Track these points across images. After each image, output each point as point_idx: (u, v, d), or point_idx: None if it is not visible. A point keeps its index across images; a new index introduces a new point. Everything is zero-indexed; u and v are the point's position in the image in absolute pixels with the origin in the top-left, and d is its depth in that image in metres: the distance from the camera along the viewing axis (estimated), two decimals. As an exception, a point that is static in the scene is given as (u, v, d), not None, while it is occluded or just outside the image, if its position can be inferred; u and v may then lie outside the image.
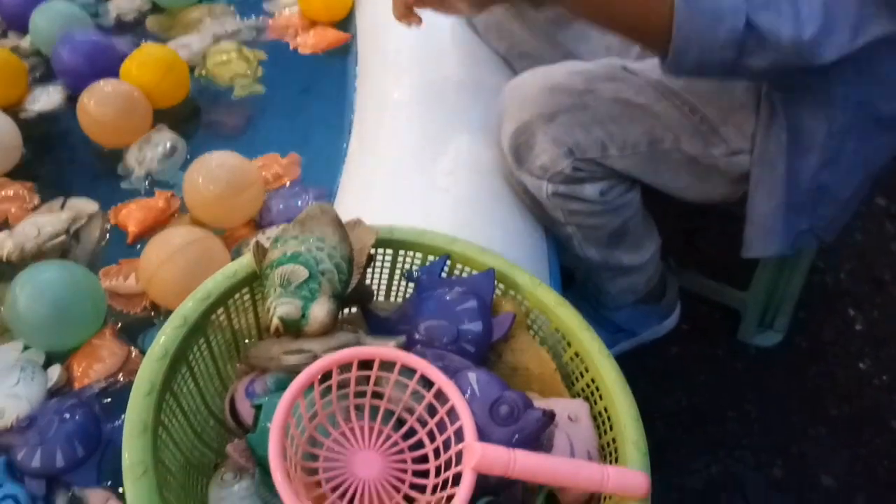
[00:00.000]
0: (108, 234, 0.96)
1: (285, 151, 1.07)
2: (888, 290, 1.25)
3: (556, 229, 0.92)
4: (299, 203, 0.98)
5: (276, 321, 0.57)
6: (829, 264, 1.28)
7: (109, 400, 0.77)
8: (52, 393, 0.76)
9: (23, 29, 1.28)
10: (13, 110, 1.12)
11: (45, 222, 0.93)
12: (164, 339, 0.52)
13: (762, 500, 1.00)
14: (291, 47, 1.30)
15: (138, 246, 0.94)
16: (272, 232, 0.93)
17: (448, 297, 0.64)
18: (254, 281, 0.61)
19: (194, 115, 1.17)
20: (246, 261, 0.60)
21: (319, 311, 0.57)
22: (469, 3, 0.73)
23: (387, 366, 0.55)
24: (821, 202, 0.83)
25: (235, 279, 0.59)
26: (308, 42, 1.30)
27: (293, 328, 0.57)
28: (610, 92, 0.84)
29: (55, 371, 0.77)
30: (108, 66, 1.11)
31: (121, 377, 0.78)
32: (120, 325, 0.84)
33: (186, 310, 0.55)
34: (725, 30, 0.63)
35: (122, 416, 0.69)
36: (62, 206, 0.99)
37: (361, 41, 1.24)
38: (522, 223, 0.92)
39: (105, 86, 1.04)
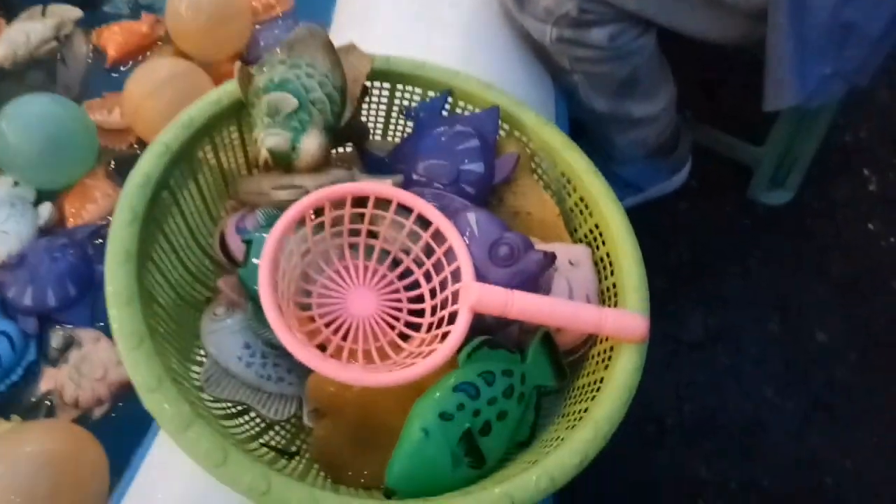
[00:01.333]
0: (90, 57, 0.90)
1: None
2: (908, 151, 1.20)
3: (562, 77, 0.87)
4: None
5: (264, 153, 0.53)
6: (849, 122, 1.22)
7: (101, 241, 0.75)
8: (44, 231, 0.74)
9: None
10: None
11: (31, 28, 0.87)
12: (145, 164, 0.49)
13: (756, 352, 1.02)
14: None
15: (118, 74, 0.89)
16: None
17: (448, 136, 0.60)
18: (240, 111, 0.57)
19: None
20: (230, 87, 0.56)
21: (310, 143, 0.53)
22: None
23: (382, 204, 0.53)
24: (846, 42, 0.76)
25: (219, 106, 0.55)
26: None
27: (283, 161, 0.54)
28: None
29: (46, 209, 0.75)
30: None
31: (111, 218, 0.75)
32: (113, 165, 0.80)
33: (168, 137, 0.51)
34: None
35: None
36: (42, 14, 0.92)
37: None
38: (529, 65, 0.86)
39: None
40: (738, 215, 1.15)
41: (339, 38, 0.58)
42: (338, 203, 0.52)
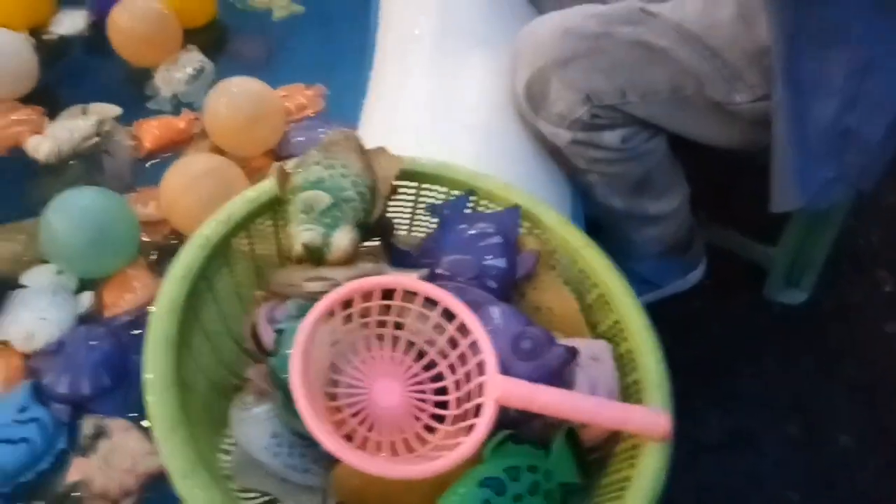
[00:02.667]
0: (133, 150, 0.95)
1: (311, 82, 1.05)
2: (920, 255, 1.22)
3: (578, 177, 0.91)
4: (321, 136, 0.96)
5: (298, 248, 0.56)
6: (861, 226, 1.24)
7: (138, 332, 0.75)
8: (82, 320, 0.76)
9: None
10: (37, 33, 1.09)
11: (73, 125, 0.92)
12: (185, 257, 0.52)
13: (778, 456, 1.00)
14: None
15: (152, 167, 0.93)
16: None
17: (472, 233, 0.63)
18: (275, 206, 0.60)
19: (222, 39, 1.15)
20: (268, 185, 0.59)
21: (342, 238, 0.56)
22: None
23: (409, 297, 0.54)
24: (848, 148, 0.79)
25: (257, 203, 0.58)
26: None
27: (316, 255, 0.57)
28: (628, 35, 0.81)
29: (86, 298, 0.77)
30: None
31: (148, 309, 0.77)
32: (154, 257, 0.83)
33: (208, 230, 0.54)
34: None
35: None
36: (83, 112, 0.98)
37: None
38: (546, 165, 0.90)
39: (135, 1, 1.04)
40: (753, 314, 1.15)
41: (366, 138, 0.62)
42: (366, 295, 0.53)
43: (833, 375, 1.08)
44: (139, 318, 0.75)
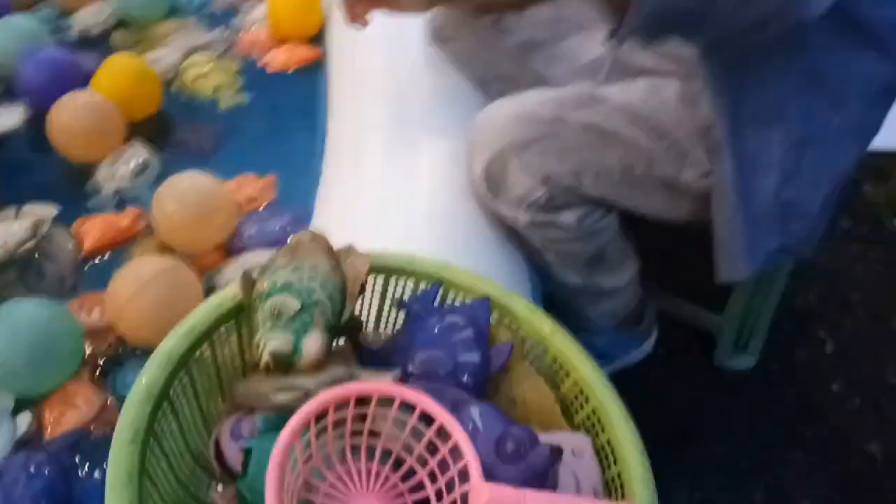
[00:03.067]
0: (74, 251, 0.90)
1: (260, 170, 1.04)
2: (856, 312, 1.27)
3: (535, 256, 0.92)
4: (276, 227, 0.95)
5: (266, 357, 0.53)
6: (799, 287, 1.30)
7: (80, 455, 0.70)
8: (20, 444, 0.70)
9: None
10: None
11: (7, 230, 0.87)
12: (147, 379, 0.48)
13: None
14: (260, 64, 1.27)
15: (92, 268, 0.89)
16: (248, 258, 0.89)
17: (443, 327, 0.62)
18: (239, 312, 0.58)
19: (166, 131, 1.13)
20: (231, 292, 0.57)
21: (313, 345, 0.54)
22: (415, 3, 0.71)
23: (384, 401, 0.52)
24: (789, 219, 0.82)
25: (221, 311, 0.55)
26: (278, 59, 1.27)
27: (284, 363, 0.54)
28: (580, 119, 0.84)
29: (24, 420, 0.71)
30: (73, 83, 1.06)
31: (92, 427, 0.72)
32: (98, 368, 0.78)
33: (170, 346, 0.51)
34: None
35: (94, 472, 0.64)
36: (16, 215, 0.93)
37: (332, 60, 1.22)
38: (504, 247, 0.91)
39: (77, 97, 1.01)
40: (707, 381, 1.17)
41: (321, 227, 0.60)
42: (341, 404, 0.51)
43: (790, 437, 1.10)
44: (82, 439, 0.70)
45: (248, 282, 0.56)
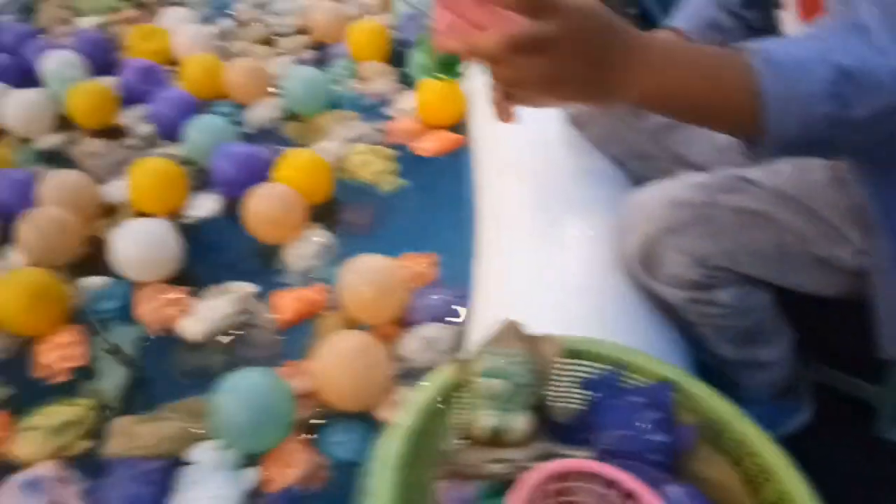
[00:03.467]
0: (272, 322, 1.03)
1: (418, 249, 1.14)
2: None
3: (690, 330, 0.95)
4: (441, 302, 1.04)
5: (483, 432, 0.61)
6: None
7: None
8: (248, 496, 0.80)
9: (171, 138, 1.41)
10: (173, 217, 1.22)
11: (219, 305, 1.01)
12: (393, 448, 0.57)
13: None
14: (411, 149, 1.39)
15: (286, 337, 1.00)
16: (423, 331, 0.98)
17: (629, 408, 0.67)
18: (453, 391, 0.66)
19: (338, 213, 1.26)
20: (447, 372, 0.65)
21: (523, 422, 0.61)
22: (551, 99, 0.74)
23: (584, 476, 0.58)
24: None
25: (442, 388, 0.63)
26: (427, 145, 1.39)
27: (496, 439, 0.61)
28: (732, 203, 0.86)
29: (253, 474, 0.82)
30: (259, 174, 1.22)
31: (307, 483, 0.81)
32: (308, 430, 0.88)
33: (409, 420, 0.60)
34: (817, 80, 0.57)
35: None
36: (224, 293, 1.07)
37: (477, 145, 1.31)
38: (658, 320, 0.95)
39: (267, 188, 1.16)
40: (866, 453, 1.14)
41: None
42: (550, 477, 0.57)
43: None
44: (301, 494, 0.79)
45: (463, 364, 0.64)
